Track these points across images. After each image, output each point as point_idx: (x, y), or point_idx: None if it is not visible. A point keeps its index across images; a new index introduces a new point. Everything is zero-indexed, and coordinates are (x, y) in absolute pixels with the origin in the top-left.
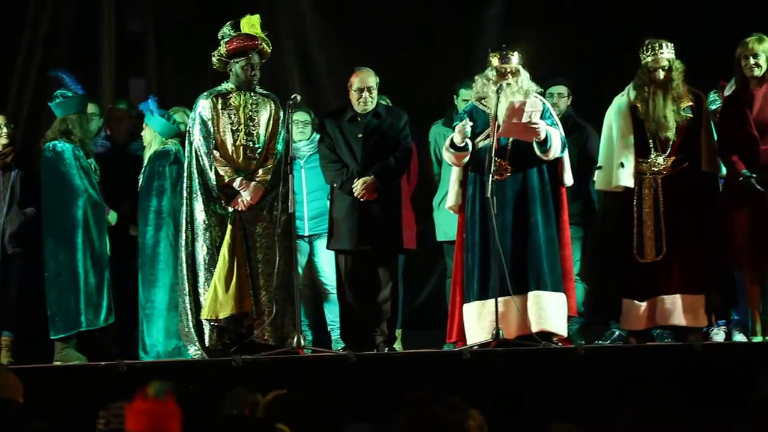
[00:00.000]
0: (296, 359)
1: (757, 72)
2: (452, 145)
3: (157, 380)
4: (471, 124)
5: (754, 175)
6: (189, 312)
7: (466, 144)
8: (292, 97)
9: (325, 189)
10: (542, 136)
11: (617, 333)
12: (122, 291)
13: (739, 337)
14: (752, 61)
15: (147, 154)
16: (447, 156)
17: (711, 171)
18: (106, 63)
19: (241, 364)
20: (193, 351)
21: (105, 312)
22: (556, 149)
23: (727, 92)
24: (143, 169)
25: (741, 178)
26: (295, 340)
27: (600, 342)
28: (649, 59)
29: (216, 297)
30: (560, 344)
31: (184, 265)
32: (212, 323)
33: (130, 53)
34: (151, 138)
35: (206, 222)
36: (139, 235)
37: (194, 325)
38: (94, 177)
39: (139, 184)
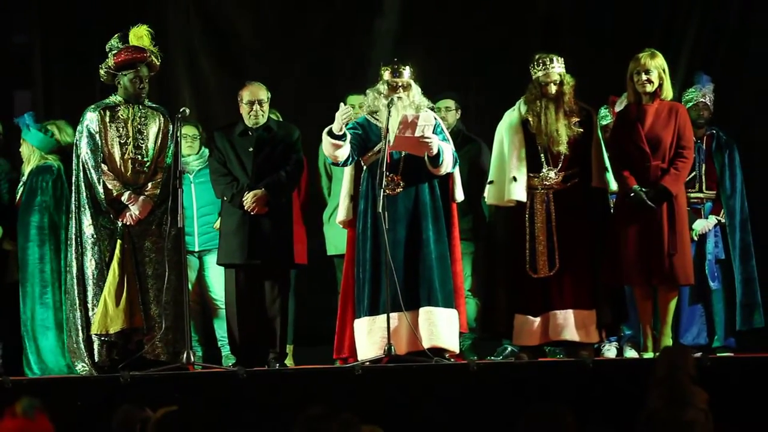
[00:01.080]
0: (186, 375)
1: (650, 88)
2: (330, 132)
3: (26, 397)
4: (351, 110)
5: (644, 190)
6: (79, 327)
7: (344, 134)
8: (181, 110)
9: (215, 204)
10: (434, 151)
11: (509, 349)
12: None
13: (630, 353)
14: (644, 77)
15: (27, 169)
16: (324, 143)
17: (600, 186)
18: None
19: (129, 380)
20: (81, 367)
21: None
22: (447, 164)
23: (618, 108)
24: (22, 183)
25: (632, 194)
26: (185, 355)
27: (492, 358)
28: (540, 74)
29: (106, 312)
30: (452, 360)
31: (75, 279)
32: (102, 338)
33: (16, 65)
34: (30, 153)
35: (94, 236)
36: (19, 250)
37: (84, 340)
38: None
39: (18, 198)
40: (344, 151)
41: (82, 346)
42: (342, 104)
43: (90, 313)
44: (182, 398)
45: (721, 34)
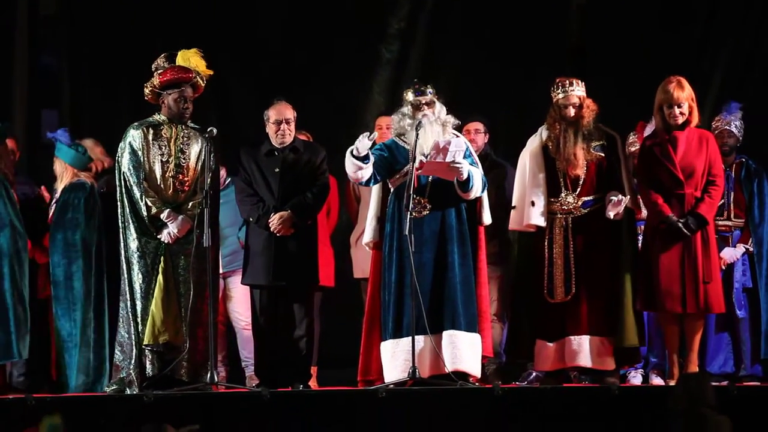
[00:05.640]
0: (209, 395)
1: (681, 120)
2: (353, 153)
3: (47, 416)
4: (371, 135)
5: (681, 220)
6: (133, 342)
7: (367, 155)
8: (209, 129)
9: (236, 225)
10: (464, 176)
11: (534, 374)
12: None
13: (656, 381)
14: (677, 110)
15: (60, 186)
16: (347, 162)
17: (632, 208)
18: (18, 94)
19: (152, 399)
20: (112, 387)
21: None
22: (477, 189)
23: (646, 134)
24: (54, 200)
25: (668, 222)
26: (209, 375)
27: (517, 382)
28: (560, 96)
29: (154, 323)
30: (477, 384)
31: (128, 295)
32: (152, 349)
33: (44, 84)
34: (62, 170)
35: (140, 250)
36: (51, 266)
37: (137, 355)
38: (17, 208)
39: (51, 214)
40: (366, 172)
41: (133, 361)
42: (371, 132)
43: (140, 327)
44: (205, 418)
45: (753, 61)
